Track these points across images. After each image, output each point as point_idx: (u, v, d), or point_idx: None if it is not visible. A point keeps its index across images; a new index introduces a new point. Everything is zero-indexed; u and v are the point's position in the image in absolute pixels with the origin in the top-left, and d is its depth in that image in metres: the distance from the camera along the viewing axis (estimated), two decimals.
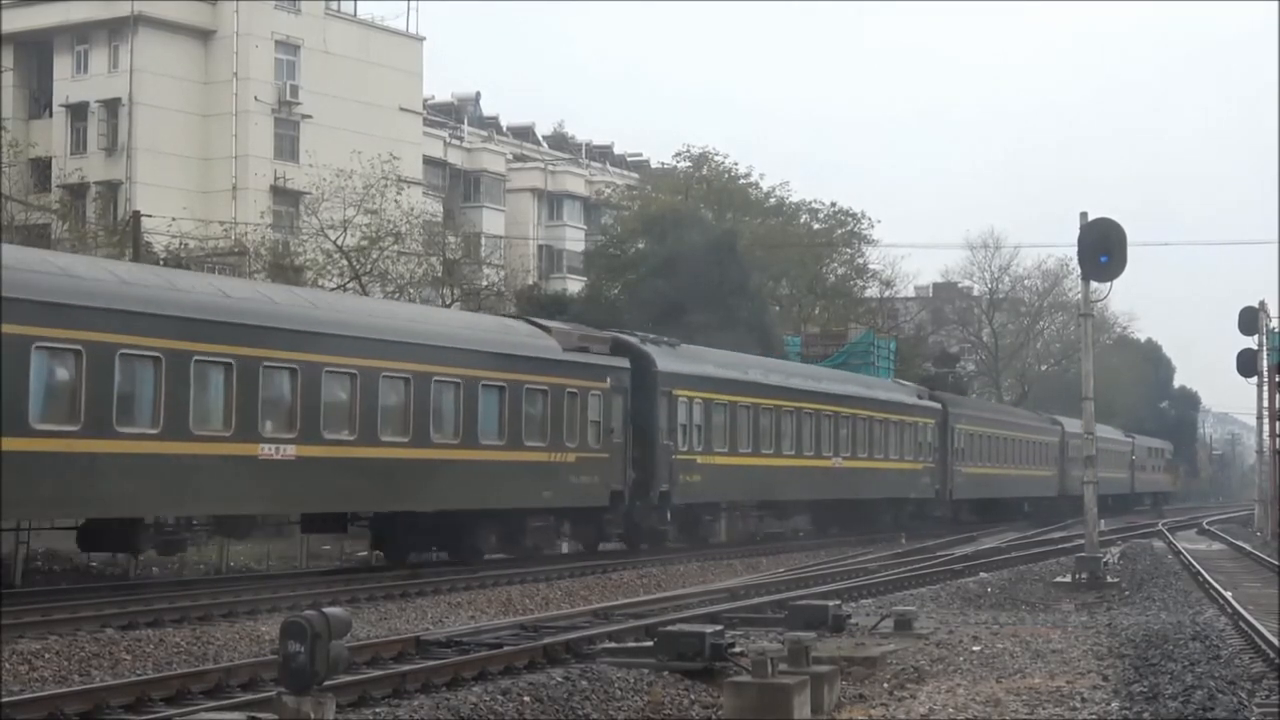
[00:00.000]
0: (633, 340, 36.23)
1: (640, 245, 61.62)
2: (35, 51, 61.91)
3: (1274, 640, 17.63)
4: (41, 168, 58.35)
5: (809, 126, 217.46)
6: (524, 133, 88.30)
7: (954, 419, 54.24)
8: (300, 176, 57.60)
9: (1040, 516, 64.07)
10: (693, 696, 15.24)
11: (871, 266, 79.39)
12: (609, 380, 33.36)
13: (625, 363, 34.44)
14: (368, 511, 28.38)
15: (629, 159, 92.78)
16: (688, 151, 72.53)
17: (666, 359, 36.40)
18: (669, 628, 16.75)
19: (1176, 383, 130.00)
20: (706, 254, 55.03)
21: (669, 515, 36.54)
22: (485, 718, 13.56)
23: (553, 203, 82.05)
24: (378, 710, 13.27)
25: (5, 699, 13.43)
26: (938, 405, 53.68)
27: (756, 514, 43.69)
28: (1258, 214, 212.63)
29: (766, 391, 40.51)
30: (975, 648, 18.43)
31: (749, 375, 40.40)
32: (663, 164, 78.23)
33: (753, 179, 73.01)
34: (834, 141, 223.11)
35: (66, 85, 60.31)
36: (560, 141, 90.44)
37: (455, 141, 77.75)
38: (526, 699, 14.18)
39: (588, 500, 32.55)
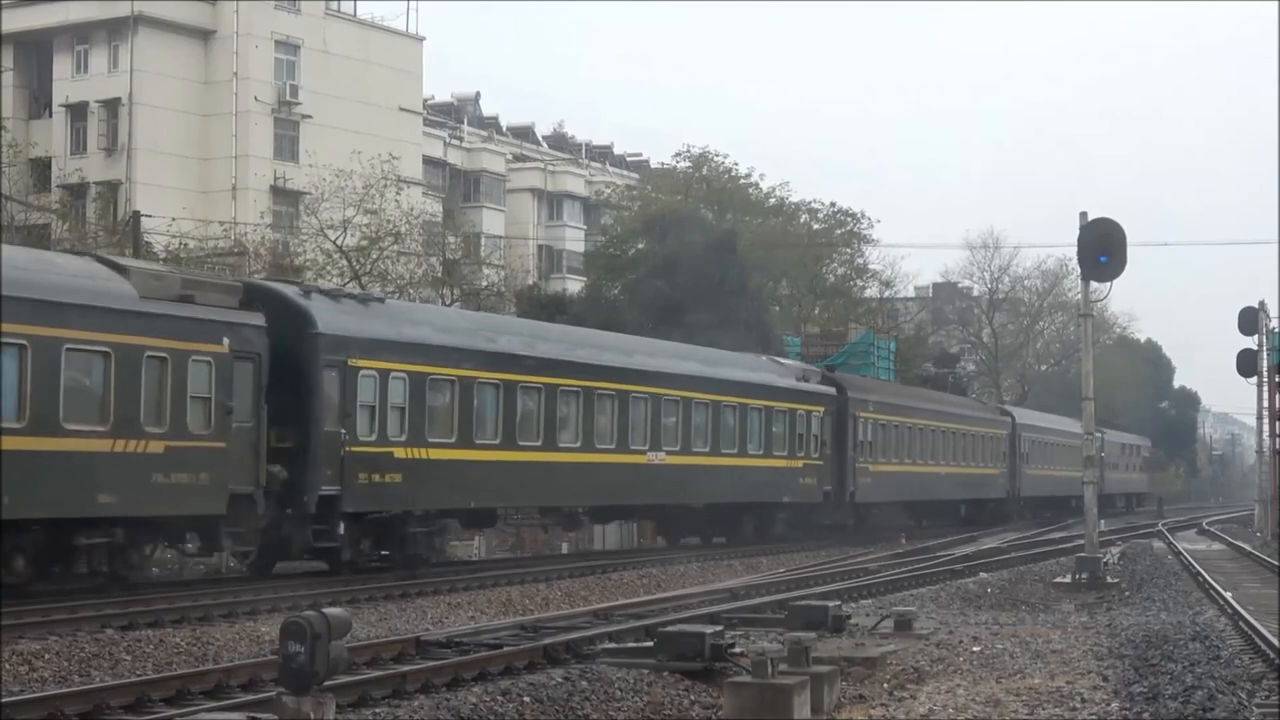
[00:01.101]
0: (282, 291, 27.15)
1: (640, 245, 61.65)
2: (35, 51, 61.91)
3: (1274, 640, 17.62)
4: (41, 168, 58.36)
5: (809, 126, 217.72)
6: (524, 133, 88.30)
7: (856, 406, 45.52)
8: (300, 176, 57.60)
9: (982, 521, 57.39)
10: (693, 697, 15.24)
11: (871, 266, 79.49)
12: (227, 341, 23.81)
13: (259, 319, 24.64)
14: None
15: (629, 159, 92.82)
16: (688, 152, 72.63)
17: (334, 315, 26.58)
18: (669, 628, 16.76)
19: (1176, 383, 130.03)
20: (706, 254, 55.04)
21: (340, 530, 26.20)
22: (485, 718, 13.56)
23: (553, 203, 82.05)
24: (378, 710, 13.27)
25: (5, 699, 13.43)
26: (831, 390, 44.59)
27: (535, 521, 35.97)
28: (1258, 214, 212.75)
29: (530, 366, 30.86)
30: (975, 648, 18.43)
31: (499, 344, 30.69)
32: (663, 164, 78.30)
33: (753, 179, 73.11)
34: (834, 141, 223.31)
35: (66, 85, 60.31)
36: (560, 141, 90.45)
37: (455, 141, 77.74)
38: (526, 699, 14.18)
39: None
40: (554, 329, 36.84)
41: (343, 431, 25.80)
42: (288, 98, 60.92)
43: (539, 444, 31.09)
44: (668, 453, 35.57)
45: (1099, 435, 77.96)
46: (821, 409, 43.45)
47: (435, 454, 28.04)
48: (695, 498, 37.87)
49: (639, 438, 34.53)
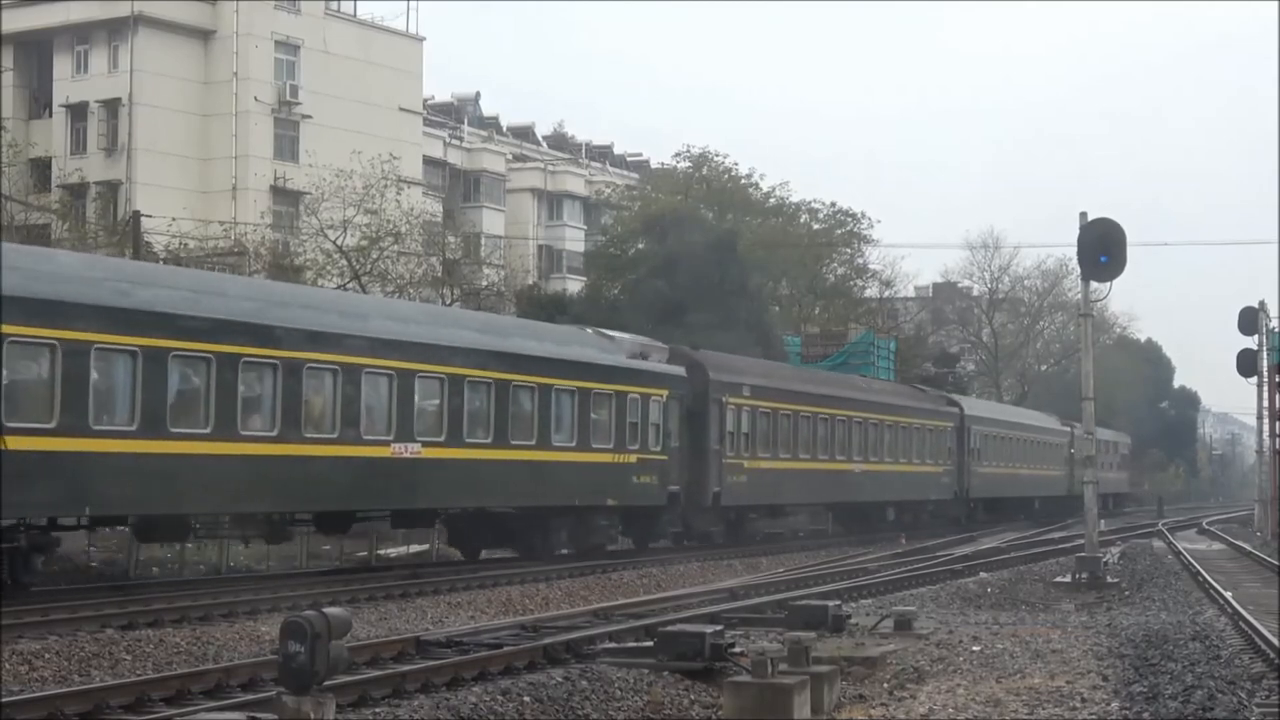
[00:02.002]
0: None
1: (640, 245, 61.65)
2: (35, 51, 61.93)
3: (1274, 640, 17.62)
4: (41, 168, 58.39)
5: (809, 126, 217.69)
6: (524, 133, 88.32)
7: (722, 390, 38.43)
8: (300, 176, 57.61)
9: (920, 525, 51.05)
10: (693, 696, 15.24)
11: (871, 266, 79.53)
12: None
13: None
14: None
15: (629, 159, 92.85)
16: (688, 152, 72.67)
17: None
18: (669, 628, 16.75)
19: (1176, 383, 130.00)
20: (706, 254, 55.03)
21: None
22: (485, 718, 13.56)
23: (553, 203, 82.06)
24: (378, 710, 13.27)
25: (5, 699, 13.43)
26: (679, 370, 36.75)
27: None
28: (1258, 214, 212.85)
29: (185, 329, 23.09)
30: (975, 648, 18.42)
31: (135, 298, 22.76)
32: (663, 164, 78.33)
33: (753, 179, 73.14)
34: (834, 141, 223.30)
35: (66, 85, 60.33)
36: (560, 141, 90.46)
37: (455, 141, 77.76)
38: (526, 699, 14.18)
39: None
40: (236, 282, 29.81)
41: None
42: (288, 98, 60.93)
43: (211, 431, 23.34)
44: (425, 444, 27.76)
45: (1068, 429, 69.94)
46: (665, 392, 35.38)
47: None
48: (463, 500, 29.93)
49: (378, 425, 26.76)
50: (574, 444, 32.09)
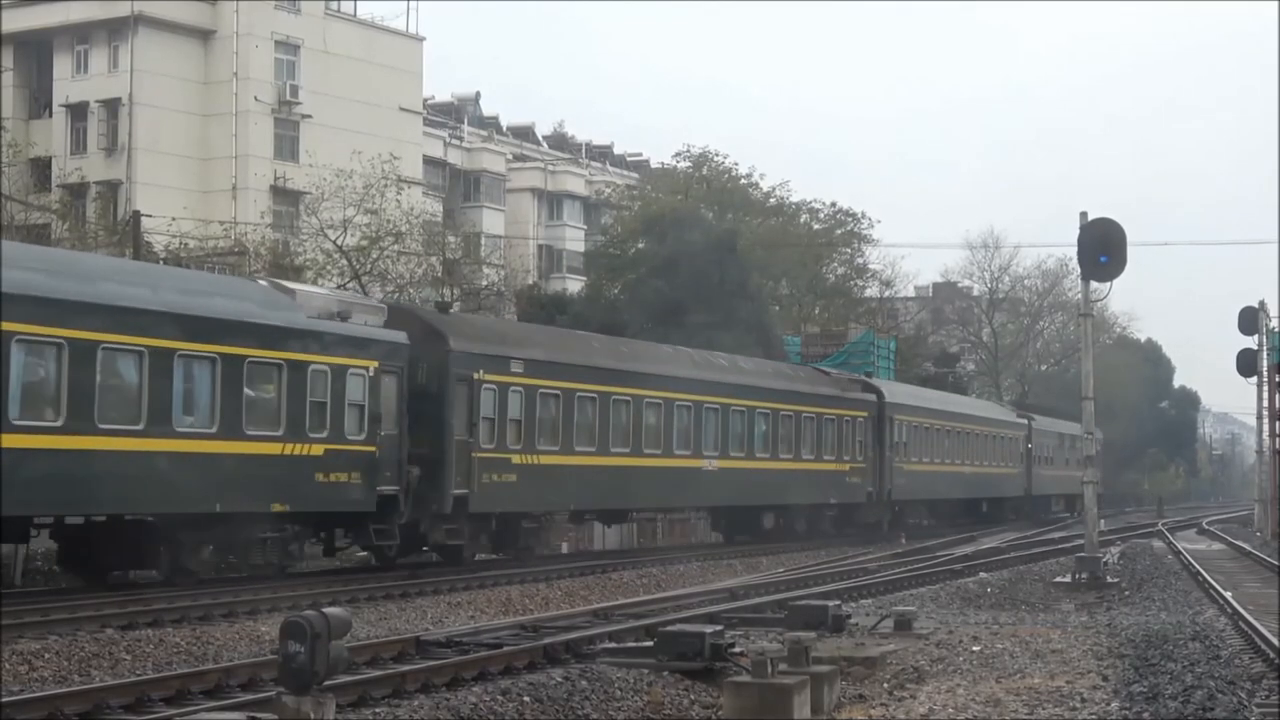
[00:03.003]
0: None
1: (640, 245, 61.62)
2: (35, 51, 61.91)
3: (1274, 640, 17.62)
4: (41, 168, 58.36)
5: (809, 125, 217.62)
6: (524, 133, 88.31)
7: (467, 364, 29.57)
8: (300, 176, 57.59)
9: (820, 534, 44.37)
10: (693, 696, 15.24)
11: (871, 266, 79.52)
12: None
13: None
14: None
15: (629, 159, 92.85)
16: (688, 152, 72.71)
17: None
18: (669, 628, 16.75)
19: (1176, 383, 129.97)
20: (706, 254, 55.01)
21: None
22: (485, 718, 13.56)
23: (553, 203, 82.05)
24: (378, 710, 13.27)
25: (5, 699, 13.43)
26: (400, 339, 27.92)
27: None
28: (1258, 214, 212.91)
29: None
30: (975, 648, 18.42)
31: None
32: (663, 164, 78.32)
33: (753, 179, 73.15)
34: (834, 140, 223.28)
35: (66, 85, 60.31)
36: (560, 141, 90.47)
37: (455, 141, 77.74)
38: (526, 699, 14.18)
39: None
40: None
41: None
42: (288, 98, 60.92)
43: None
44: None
45: (1025, 421, 63.97)
46: (372, 364, 26.81)
47: None
48: None
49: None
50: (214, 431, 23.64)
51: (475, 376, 29.47)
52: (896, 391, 51.49)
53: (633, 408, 34.70)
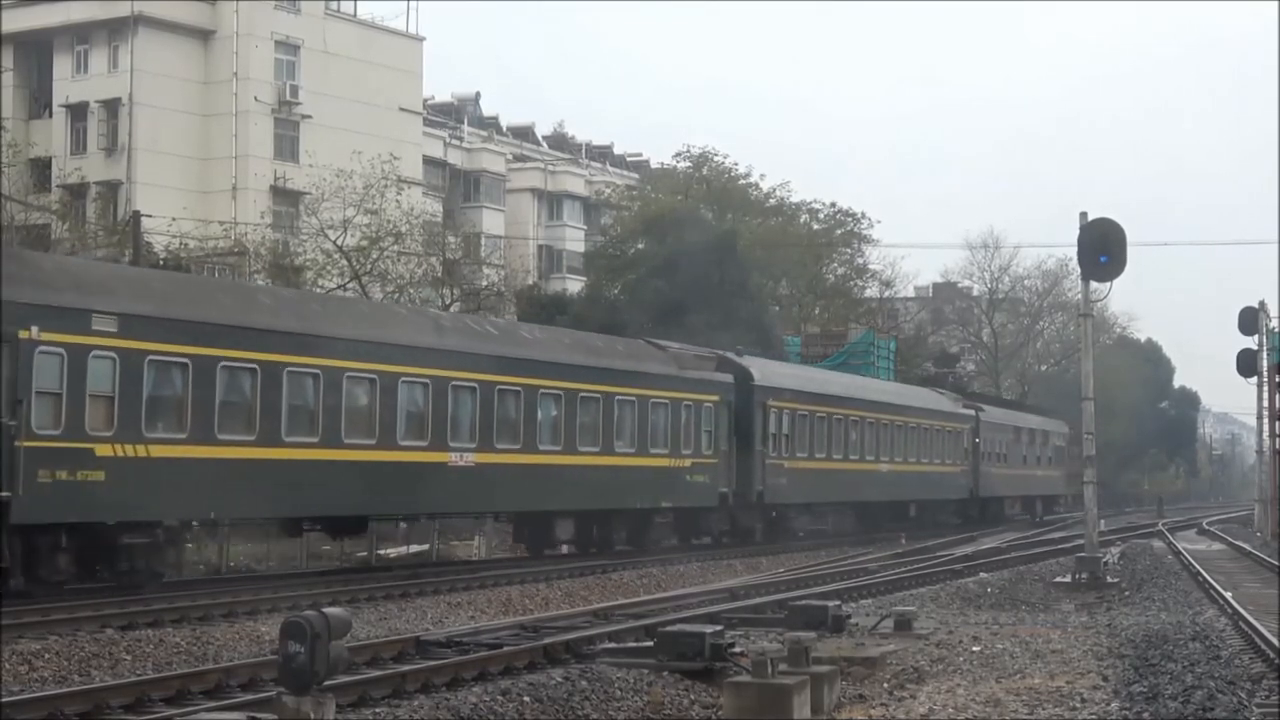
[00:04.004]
0: None
1: (640, 245, 61.64)
2: (35, 51, 61.89)
3: (1274, 640, 17.63)
4: (41, 168, 58.34)
5: (809, 125, 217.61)
6: (524, 133, 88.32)
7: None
8: (300, 176, 57.58)
9: (645, 548, 35.50)
10: (693, 696, 15.24)
11: (871, 266, 79.53)
12: None
13: None
14: None
15: (629, 159, 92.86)
16: (688, 152, 72.72)
17: None
18: (669, 628, 16.75)
19: (1176, 383, 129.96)
20: (706, 254, 55.02)
21: None
22: (485, 718, 13.56)
23: (553, 203, 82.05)
24: (378, 710, 13.27)
25: (5, 699, 13.44)
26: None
27: None
28: (1258, 214, 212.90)
29: None
30: (975, 648, 18.43)
31: None
32: (663, 164, 78.35)
33: (753, 179, 73.16)
34: (834, 140, 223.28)
35: (66, 85, 60.29)
36: (560, 141, 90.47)
37: (455, 141, 77.73)
38: (526, 699, 14.18)
39: None
40: None
41: None
42: (288, 98, 60.90)
43: None
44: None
45: (972, 412, 56.83)
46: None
47: None
48: None
49: None
50: None
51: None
52: (773, 373, 42.73)
53: (324, 383, 26.13)
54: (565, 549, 34.70)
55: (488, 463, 29.71)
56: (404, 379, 27.83)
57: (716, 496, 38.01)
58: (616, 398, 34.03)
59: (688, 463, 36.70)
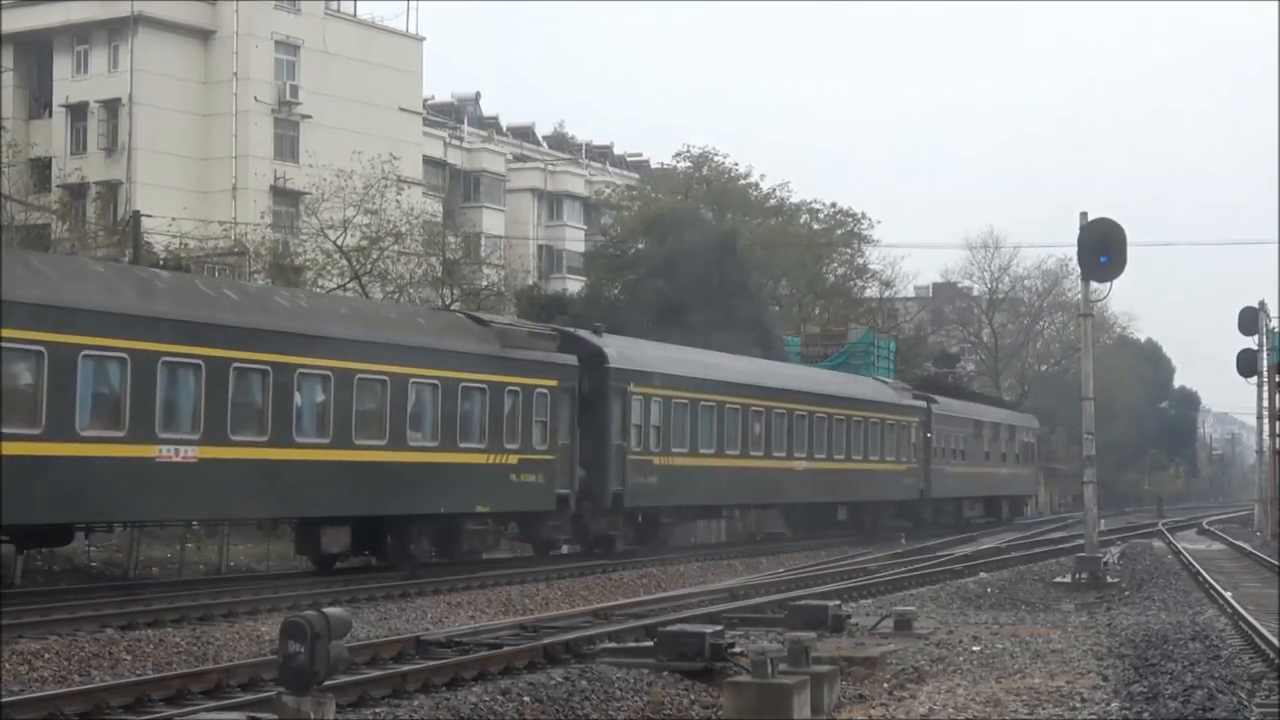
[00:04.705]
0: None
1: (640, 245, 61.62)
2: (35, 51, 61.89)
3: (1274, 640, 17.63)
4: (41, 168, 58.35)
5: (809, 125, 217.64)
6: (524, 133, 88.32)
7: None
8: (300, 176, 57.58)
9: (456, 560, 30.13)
10: (693, 696, 15.24)
11: (871, 266, 79.48)
12: None
13: None
14: None
15: (629, 159, 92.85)
16: (688, 152, 72.67)
17: None
18: (669, 628, 16.76)
19: (1176, 383, 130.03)
20: (706, 254, 54.98)
21: None
22: (485, 718, 13.56)
23: (553, 203, 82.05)
24: (378, 710, 13.27)
25: (5, 699, 13.43)
26: None
27: None
28: (1258, 214, 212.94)
29: None
30: (975, 648, 18.43)
31: None
32: (663, 164, 78.31)
33: (753, 179, 73.12)
34: (834, 140, 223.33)
35: (66, 85, 60.30)
36: (560, 141, 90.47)
37: (455, 141, 77.74)
38: (526, 699, 14.18)
39: None
40: None
41: None
42: (288, 98, 60.91)
43: None
44: None
45: (924, 404, 51.22)
46: None
47: None
48: None
49: None
50: None
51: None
52: (638, 355, 35.89)
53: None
54: (342, 561, 29.03)
55: (214, 458, 23.51)
56: (86, 351, 21.57)
57: (554, 499, 31.68)
58: (412, 380, 27.83)
59: (514, 459, 30.27)
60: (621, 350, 34.99)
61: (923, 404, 52.01)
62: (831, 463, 43.82)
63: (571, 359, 32.42)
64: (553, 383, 31.54)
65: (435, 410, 28.26)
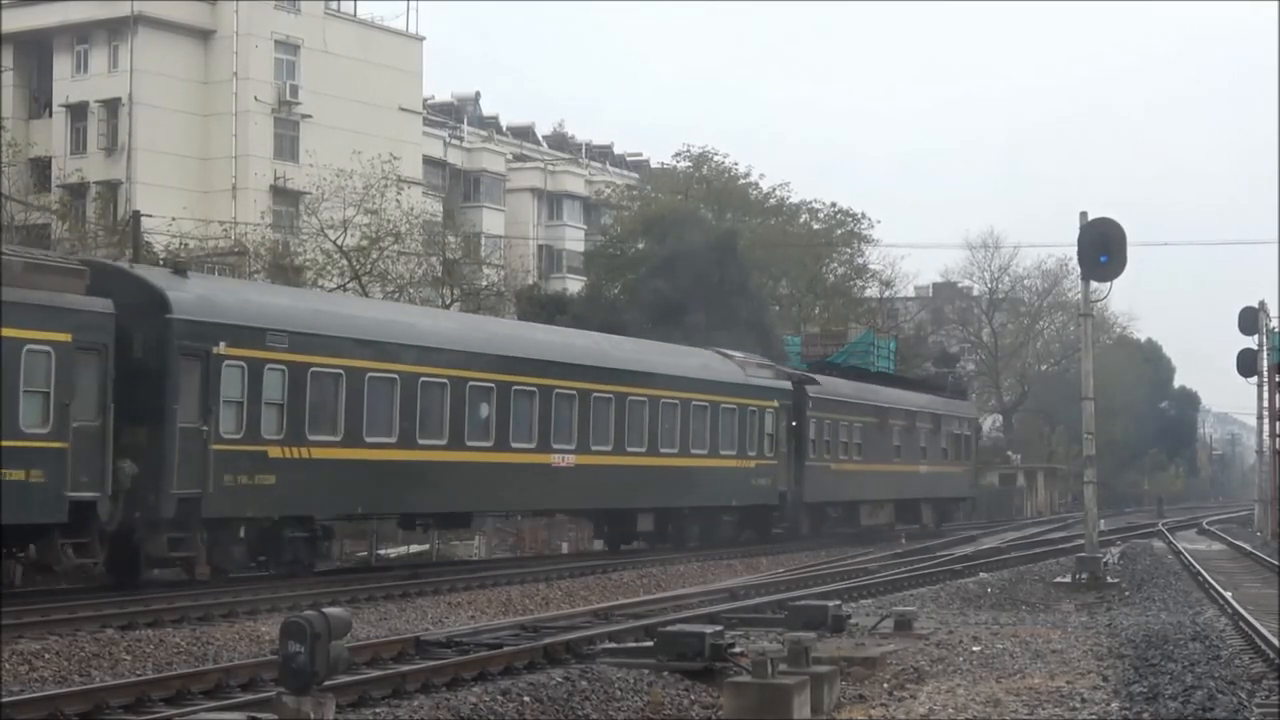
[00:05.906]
0: None
1: (640, 245, 61.62)
2: (35, 51, 61.88)
3: (1274, 640, 17.63)
4: (41, 168, 58.35)
5: (809, 125, 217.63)
6: (524, 133, 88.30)
7: None
8: (300, 176, 57.59)
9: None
10: (693, 696, 15.24)
11: (871, 266, 79.46)
12: None
13: None
14: None
15: (629, 159, 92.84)
16: (688, 151, 72.70)
17: None
18: (669, 628, 16.76)
19: (1176, 383, 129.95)
20: (706, 254, 54.97)
21: None
22: (485, 718, 13.56)
23: (553, 203, 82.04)
24: (378, 710, 13.27)
25: (5, 699, 13.43)
26: None
27: None
28: (1258, 214, 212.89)
29: None
30: (975, 648, 18.42)
31: None
32: (663, 164, 78.32)
33: (752, 179, 73.14)
34: (834, 140, 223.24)
35: (66, 85, 60.29)
36: (560, 141, 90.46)
37: (455, 141, 77.72)
38: (526, 699, 14.18)
39: None
40: None
41: None
42: (288, 98, 60.90)
43: None
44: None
45: (798, 386, 42.19)
46: None
47: None
48: None
49: None
50: None
51: None
52: (235, 300, 25.99)
53: None
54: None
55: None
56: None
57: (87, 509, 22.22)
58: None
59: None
60: (206, 295, 25.00)
61: (787, 385, 42.10)
62: (624, 457, 34.73)
63: (103, 304, 22.49)
64: (85, 342, 21.98)
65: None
